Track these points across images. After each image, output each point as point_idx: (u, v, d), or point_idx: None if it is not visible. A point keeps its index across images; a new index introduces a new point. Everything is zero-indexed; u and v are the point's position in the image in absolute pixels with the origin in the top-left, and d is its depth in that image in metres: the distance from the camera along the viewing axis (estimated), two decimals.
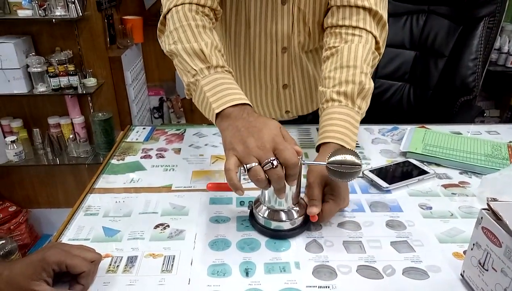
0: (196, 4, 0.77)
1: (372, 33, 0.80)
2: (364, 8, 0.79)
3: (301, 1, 0.85)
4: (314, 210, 0.64)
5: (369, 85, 0.77)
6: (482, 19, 1.29)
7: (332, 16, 0.83)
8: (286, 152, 0.57)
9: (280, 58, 0.94)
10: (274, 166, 0.57)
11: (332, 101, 0.76)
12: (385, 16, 0.82)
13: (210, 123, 0.73)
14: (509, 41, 2.26)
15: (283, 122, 1.07)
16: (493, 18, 1.28)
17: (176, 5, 0.77)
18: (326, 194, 0.67)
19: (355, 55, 0.77)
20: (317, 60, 1.00)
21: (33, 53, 1.86)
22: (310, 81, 1.01)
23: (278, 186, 0.59)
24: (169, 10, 0.78)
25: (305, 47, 0.94)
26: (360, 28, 0.80)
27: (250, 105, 0.67)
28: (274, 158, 0.57)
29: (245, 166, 0.58)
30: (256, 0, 0.86)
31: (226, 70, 0.72)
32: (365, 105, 0.78)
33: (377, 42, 0.81)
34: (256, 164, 0.57)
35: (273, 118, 1.01)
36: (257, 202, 0.68)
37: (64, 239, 0.65)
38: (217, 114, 0.66)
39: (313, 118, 1.08)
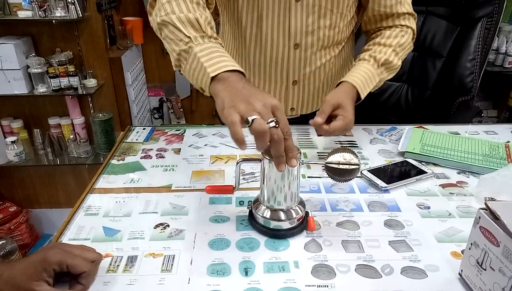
0: None
1: (411, 28, 0.98)
2: (403, 13, 0.97)
3: None
4: (318, 120, 0.79)
5: (397, 62, 0.94)
6: (480, 19, 1.29)
7: (376, 23, 0.99)
8: (285, 120, 0.57)
9: (292, 54, 0.95)
10: (276, 125, 0.55)
11: (363, 60, 0.93)
12: (415, 13, 0.99)
13: (209, 124, 0.73)
14: (506, 42, 2.27)
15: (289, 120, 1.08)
16: (491, 19, 1.28)
17: None
18: (337, 115, 0.81)
19: (393, 36, 0.95)
20: (334, 60, 1.01)
21: (33, 54, 1.87)
22: (321, 78, 1.02)
23: (278, 150, 0.57)
24: None
25: (325, 43, 0.96)
26: (402, 25, 0.97)
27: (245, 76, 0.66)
28: (276, 119, 0.56)
29: (248, 118, 0.55)
30: None
31: (219, 43, 0.71)
32: (386, 74, 0.95)
33: (414, 34, 0.99)
34: (257, 115, 0.56)
35: None
36: (257, 201, 0.69)
37: (65, 239, 0.66)
38: (212, 78, 0.64)
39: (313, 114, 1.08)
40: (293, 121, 1.08)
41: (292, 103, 1.04)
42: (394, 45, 0.94)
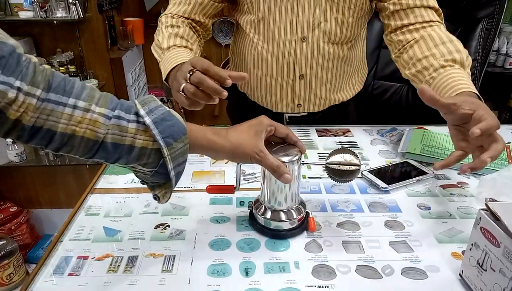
0: (175, 14, 0.94)
1: (442, 24, 0.88)
2: (429, 7, 0.87)
3: None
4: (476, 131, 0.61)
5: (470, 57, 0.82)
6: (481, 20, 1.29)
7: (402, 19, 0.89)
8: (198, 62, 0.68)
9: (299, 48, 0.95)
10: (190, 73, 0.68)
11: (443, 68, 0.78)
12: (440, 9, 0.90)
13: (210, 124, 0.74)
14: (507, 43, 2.27)
15: (293, 119, 1.08)
16: (492, 20, 1.28)
17: (161, 16, 0.96)
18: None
19: (445, 34, 0.84)
20: (343, 56, 0.99)
21: (34, 55, 1.87)
22: (328, 74, 1.01)
23: (204, 87, 0.67)
24: (159, 21, 0.96)
25: (332, 38, 0.95)
26: (433, 20, 0.87)
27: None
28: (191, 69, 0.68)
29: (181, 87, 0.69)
30: None
31: (177, 47, 0.87)
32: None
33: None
34: (184, 82, 0.69)
35: (285, 113, 1.08)
36: (257, 202, 0.69)
37: (65, 239, 0.66)
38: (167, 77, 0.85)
39: (322, 116, 1.08)
40: (300, 122, 1.08)
41: (299, 99, 1.04)
42: (455, 39, 0.83)
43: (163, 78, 0.85)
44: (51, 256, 0.62)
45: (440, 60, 0.79)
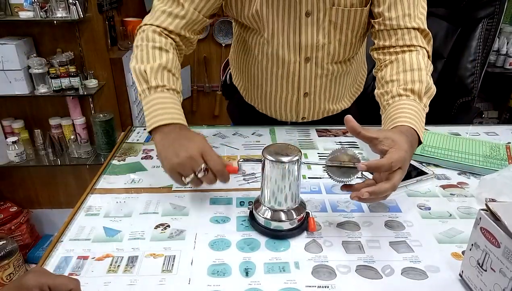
0: (162, 28, 0.82)
1: (425, 48, 0.84)
2: (414, 28, 0.83)
3: (332, 14, 0.86)
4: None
5: (434, 87, 0.80)
6: (481, 20, 1.29)
7: (384, 40, 0.86)
8: (213, 159, 0.68)
9: (303, 68, 0.94)
10: (205, 173, 0.68)
11: (399, 96, 0.77)
12: (429, 31, 0.85)
13: (210, 124, 0.74)
14: (507, 43, 2.27)
15: (295, 123, 1.08)
16: (492, 20, 1.28)
17: (145, 24, 0.84)
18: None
19: (418, 61, 0.80)
20: (346, 71, 1.00)
21: (34, 55, 1.87)
22: (332, 91, 1.02)
23: (212, 183, 0.70)
24: (140, 27, 0.85)
25: (335, 58, 0.94)
26: (414, 45, 0.83)
27: (181, 123, 0.74)
28: (204, 166, 0.68)
29: (185, 181, 0.68)
30: (278, 13, 0.86)
31: (167, 89, 0.77)
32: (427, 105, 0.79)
33: (428, 56, 0.84)
34: (192, 175, 0.68)
35: (287, 121, 1.07)
36: (257, 202, 0.69)
37: (65, 239, 0.66)
38: (151, 130, 0.74)
39: (323, 119, 1.09)
40: (301, 123, 1.08)
41: (303, 113, 1.05)
42: (424, 68, 0.80)
43: (147, 129, 0.75)
44: (51, 256, 0.62)
45: (399, 88, 0.78)
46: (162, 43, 0.80)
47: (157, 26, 0.82)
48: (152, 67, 0.77)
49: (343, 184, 0.65)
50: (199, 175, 0.67)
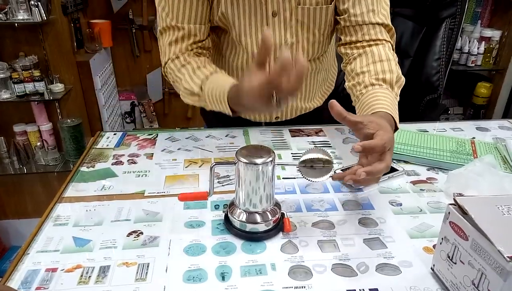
0: (178, 55, 0.87)
1: (390, 42, 0.89)
2: (378, 23, 0.87)
3: (298, 13, 0.87)
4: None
5: (403, 78, 0.84)
6: (444, 20, 1.34)
7: (351, 35, 0.89)
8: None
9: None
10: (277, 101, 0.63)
11: (372, 86, 0.81)
12: (392, 27, 0.90)
13: (183, 127, 0.74)
14: (469, 41, 2.36)
15: (269, 123, 1.10)
16: (454, 20, 1.33)
17: (165, 63, 0.89)
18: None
19: (386, 52, 0.85)
20: (316, 69, 1.02)
21: None
22: (303, 88, 1.03)
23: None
24: (164, 68, 0.91)
25: (305, 56, 0.94)
26: (380, 39, 0.88)
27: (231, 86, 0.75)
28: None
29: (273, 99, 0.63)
30: (244, 14, 0.87)
31: (210, 75, 0.81)
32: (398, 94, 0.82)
33: (393, 49, 0.89)
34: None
35: (261, 122, 1.09)
36: (232, 205, 0.68)
37: (32, 251, 0.63)
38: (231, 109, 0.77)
39: (296, 119, 1.10)
40: (274, 124, 1.09)
41: (276, 113, 1.07)
42: (392, 58, 0.84)
43: (225, 99, 0.76)
44: (17, 270, 0.59)
45: (371, 78, 0.82)
46: (181, 61, 0.86)
47: (175, 56, 0.87)
48: (187, 81, 0.84)
49: (316, 183, 0.65)
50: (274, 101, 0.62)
